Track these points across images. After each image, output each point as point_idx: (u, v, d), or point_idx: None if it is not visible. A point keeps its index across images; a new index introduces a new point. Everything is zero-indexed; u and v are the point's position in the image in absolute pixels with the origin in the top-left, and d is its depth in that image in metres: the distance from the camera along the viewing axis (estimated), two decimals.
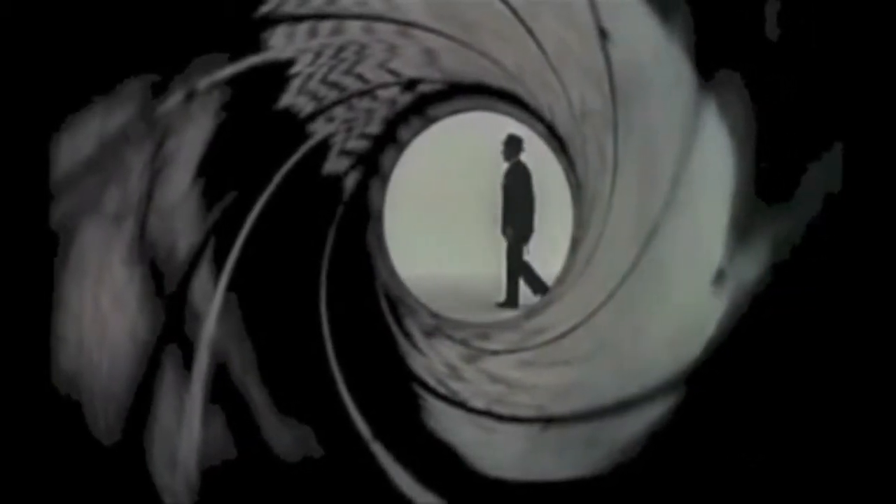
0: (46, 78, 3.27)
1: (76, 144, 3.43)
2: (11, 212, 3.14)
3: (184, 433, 4.19)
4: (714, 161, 3.99)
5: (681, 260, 4.45)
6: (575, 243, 9.41)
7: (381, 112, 7.67)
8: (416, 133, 9.01)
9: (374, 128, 7.73)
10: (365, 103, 7.15)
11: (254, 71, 4.74)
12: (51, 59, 3.30)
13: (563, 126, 7.98)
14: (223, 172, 4.70)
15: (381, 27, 6.04)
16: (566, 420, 5.02)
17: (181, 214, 4.36)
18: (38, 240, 3.29)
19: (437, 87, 7.95)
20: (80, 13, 3.38)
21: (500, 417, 5.44)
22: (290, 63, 5.26)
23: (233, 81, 4.52)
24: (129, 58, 3.72)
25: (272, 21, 4.72)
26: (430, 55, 6.95)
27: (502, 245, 15.44)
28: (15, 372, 3.24)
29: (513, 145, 13.66)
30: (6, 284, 3.18)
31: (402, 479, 4.55)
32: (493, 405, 5.65)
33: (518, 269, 13.66)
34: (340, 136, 6.85)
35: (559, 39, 5.78)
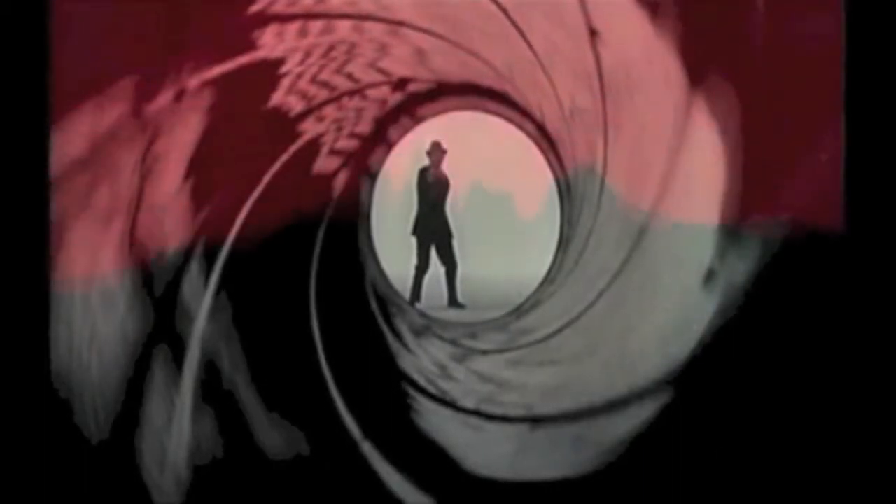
0: (37, 78, 3.27)
1: (67, 144, 3.43)
2: (4, 210, 3.14)
3: (174, 431, 4.18)
4: (704, 160, 3.99)
5: (670, 259, 4.45)
6: (564, 243, 9.39)
7: (371, 111, 7.66)
8: (405, 132, 8.99)
9: (364, 127, 7.72)
10: (355, 102, 7.14)
11: (244, 70, 4.73)
12: (42, 60, 3.30)
13: (553, 125, 7.98)
14: (214, 171, 4.69)
15: (371, 26, 6.03)
16: (555, 420, 5.02)
17: (171, 213, 4.36)
18: (30, 239, 3.28)
19: (427, 86, 7.94)
20: (72, 13, 3.37)
21: (490, 417, 5.43)
22: (280, 62, 5.25)
23: (223, 80, 4.52)
24: (119, 57, 3.71)
25: (262, 20, 4.72)
26: (420, 55, 6.94)
27: (490, 244, 15.47)
28: (6, 371, 3.24)
29: (437, 153, 13.97)
30: None
31: (392, 478, 4.55)
32: (482, 405, 5.65)
33: (425, 269, 14.04)
34: (330, 135, 6.83)
35: (549, 39, 5.78)
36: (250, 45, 4.75)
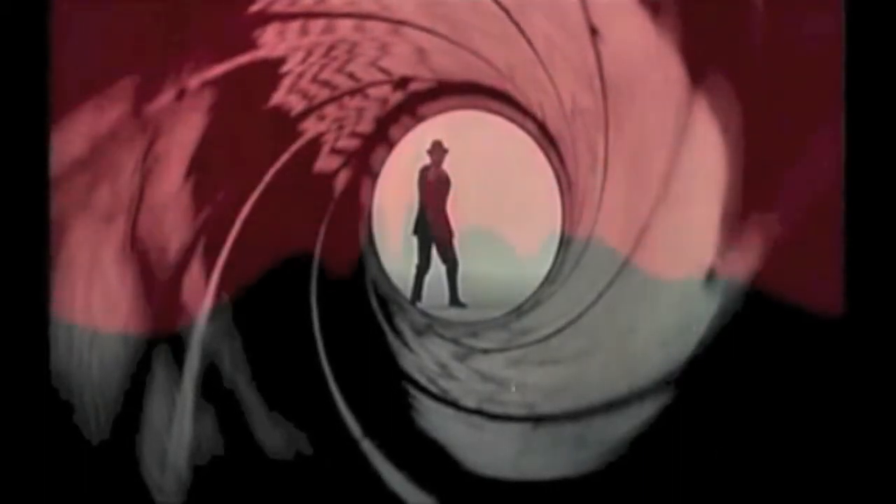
0: (37, 78, 3.27)
1: (67, 144, 3.43)
2: (4, 210, 3.14)
3: (174, 431, 4.19)
4: (705, 159, 4.00)
5: (671, 258, 4.45)
6: (564, 242, 9.40)
7: (372, 111, 7.66)
8: (406, 131, 8.99)
9: (365, 126, 7.72)
10: (356, 102, 7.14)
11: (244, 69, 4.73)
12: (42, 60, 3.30)
13: (554, 124, 7.98)
14: (214, 171, 4.69)
15: (372, 26, 6.03)
16: (556, 419, 5.02)
17: (172, 212, 4.36)
18: (30, 239, 3.28)
19: (428, 85, 7.94)
20: (72, 13, 3.38)
21: (491, 416, 5.44)
22: (280, 61, 5.25)
23: (224, 80, 4.52)
24: (119, 57, 3.71)
25: (263, 19, 4.72)
26: (421, 54, 6.95)
27: (490, 244, 15.52)
28: (6, 371, 3.24)
29: (438, 152, 13.98)
30: None
31: (393, 477, 4.55)
32: (484, 404, 5.65)
33: (426, 268, 14.06)
34: (331, 134, 6.83)
35: (550, 38, 5.78)
36: (251, 45, 4.75)
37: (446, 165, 14.09)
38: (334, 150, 7.05)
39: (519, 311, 9.11)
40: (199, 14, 4.14)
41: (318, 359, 5.61)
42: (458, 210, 14.75)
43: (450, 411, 5.64)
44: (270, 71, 5.19)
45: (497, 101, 8.48)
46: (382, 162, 8.87)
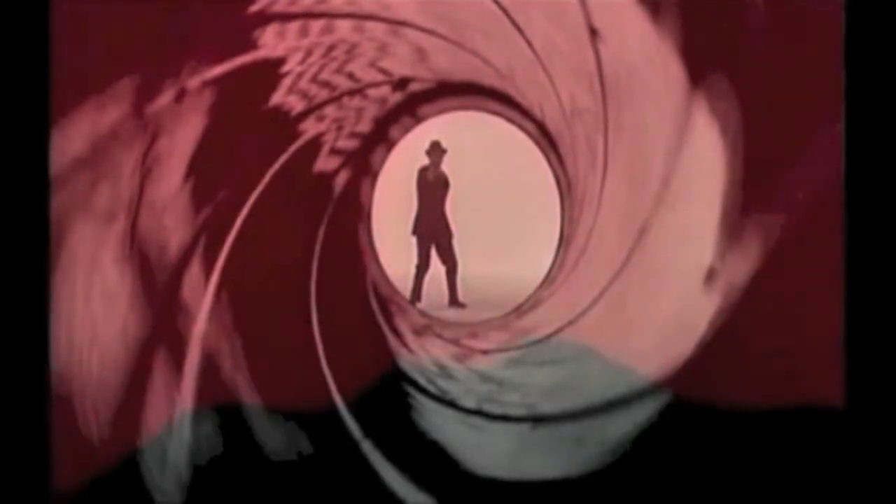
0: (38, 78, 3.27)
1: (67, 144, 3.44)
2: (4, 210, 3.15)
3: (174, 432, 4.19)
4: (704, 159, 4.00)
5: (671, 258, 4.45)
6: (564, 242, 9.40)
7: (372, 111, 7.66)
8: (405, 132, 8.99)
9: (365, 126, 7.72)
10: (355, 102, 7.14)
11: (244, 70, 4.73)
12: (42, 60, 3.30)
13: (554, 125, 7.98)
14: (214, 171, 4.69)
15: (371, 26, 6.04)
16: (556, 419, 5.02)
17: (172, 212, 4.36)
18: (30, 239, 3.29)
19: (428, 86, 7.94)
20: (72, 13, 3.38)
21: (491, 416, 5.44)
22: (280, 62, 5.25)
23: (224, 80, 4.52)
24: (119, 57, 3.72)
25: (263, 20, 4.72)
26: (420, 54, 6.95)
27: (490, 244, 15.58)
28: (6, 371, 3.24)
29: (436, 153, 13.98)
30: None
31: (393, 477, 4.55)
32: (483, 404, 5.65)
33: (426, 267, 14.04)
34: (331, 134, 6.84)
35: (550, 38, 5.78)
36: (251, 45, 4.76)
37: (445, 166, 14.10)
38: (334, 151, 7.05)
39: (518, 311, 9.10)
40: (199, 14, 4.15)
41: (318, 359, 5.61)
42: (458, 210, 14.75)
43: (449, 412, 5.65)
44: (270, 71, 5.20)
45: (496, 102, 8.48)
46: (382, 162, 8.87)
